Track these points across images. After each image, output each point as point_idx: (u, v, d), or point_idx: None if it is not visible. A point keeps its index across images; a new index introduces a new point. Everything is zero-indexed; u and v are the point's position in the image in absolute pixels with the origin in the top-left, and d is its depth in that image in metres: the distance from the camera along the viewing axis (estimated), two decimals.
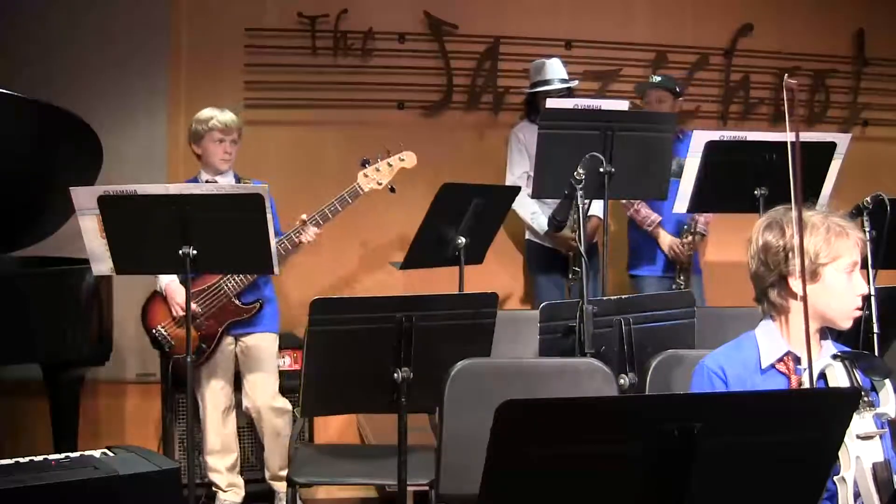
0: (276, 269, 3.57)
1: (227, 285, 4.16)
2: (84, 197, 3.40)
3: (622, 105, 4.34)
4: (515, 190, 4.46)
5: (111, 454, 2.79)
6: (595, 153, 3.49)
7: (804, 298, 2.26)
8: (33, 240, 4.26)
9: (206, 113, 4.24)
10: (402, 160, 4.21)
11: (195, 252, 3.41)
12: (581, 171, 3.27)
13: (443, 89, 5.36)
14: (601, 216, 4.21)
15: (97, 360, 4.24)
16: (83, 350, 4.09)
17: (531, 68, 4.96)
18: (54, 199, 3.88)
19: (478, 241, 4.23)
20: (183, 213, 3.37)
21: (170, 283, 4.16)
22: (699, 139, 3.96)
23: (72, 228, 3.69)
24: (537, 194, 4.22)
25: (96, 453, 2.79)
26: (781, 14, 5.62)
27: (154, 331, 4.21)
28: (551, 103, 4.32)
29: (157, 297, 4.23)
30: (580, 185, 3.26)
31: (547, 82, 4.85)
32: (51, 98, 3.97)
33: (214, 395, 4.26)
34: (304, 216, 4.10)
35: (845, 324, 2.47)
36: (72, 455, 2.77)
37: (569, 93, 4.85)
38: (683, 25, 5.57)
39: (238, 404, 4.36)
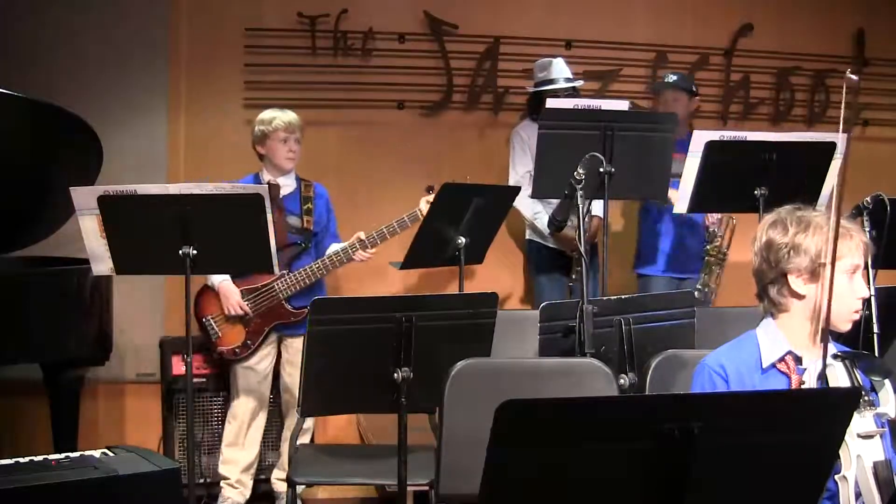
0: (275, 269, 3.58)
1: (279, 287, 4.21)
2: (84, 197, 3.40)
3: (622, 105, 4.33)
4: (515, 190, 4.46)
5: (111, 454, 2.79)
6: (595, 153, 3.49)
7: (829, 299, 2.26)
8: (33, 240, 4.26)
9: (268, 114, 4.32)
10: None
11: (195, 252, 3.41)
12: (581, 171, 3.27)
13: (443, 89, 5.36)
14: (601, 216, 4.21)
15: (97, 360, 4.25)
16: (83, 350, 4.10)
17: (535, 67, 4.96)
18: (54, 199, 3.88)
19: (478, 241, 4.22)
20: (183, 213, 3.37)
21: (222, 283, 4.25)
22: (699, 139, 3.96)
23: (72, 228, 3.69)
24: (537, 194, 4.22)
25: (96, 453, 2.79)
26: (781, 14, 5.62)
27: (204, 319, 4.30)
28: (551, 103, 4.32)
29: (209, 289, 4.31)
30: (580, 185, 3.26)
31: (552, 81, 4.85)
32: (51, 98, 3.97)
33: (250, 391, 4.32)
34: (361, 234, 4.23)
35: (843, 326, 2.47)
36: (72, 455, 2.77)
37: (574, 92, 4.85)
38: (683, 25, 5.57)
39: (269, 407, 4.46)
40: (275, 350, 4.37)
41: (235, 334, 4.28)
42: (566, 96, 4.71)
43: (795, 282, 2.45)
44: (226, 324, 4.28)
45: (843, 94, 2.36)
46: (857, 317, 2.47)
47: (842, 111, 2.36)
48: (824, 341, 2.25)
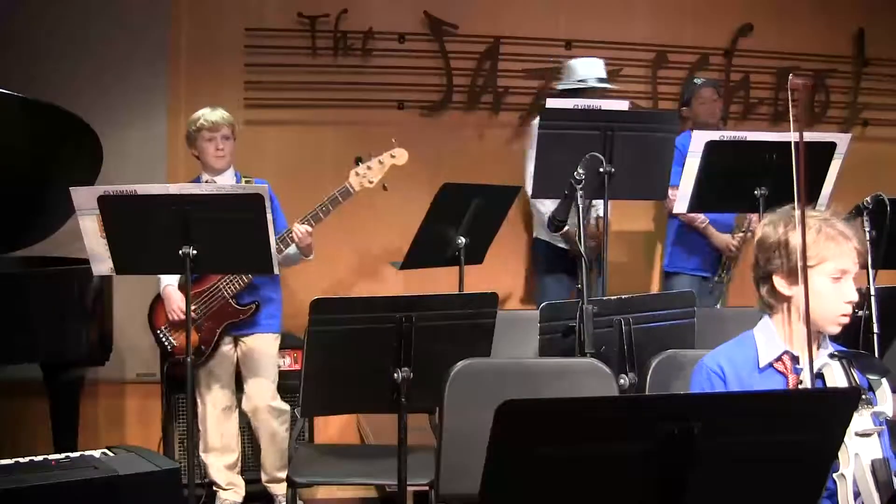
0: (275, 269, 3.57)
1: (223, 287, 4.17)
2: (84, 197, 3.40)
3: (622, 105, 4.34)
4: (515, 190, 4.46)
5: (111, 454, 2.80)
6: (595, 153, 3.49)
7: (806, 298, 2.25)
8: (33, 240, 4.26)
9: (196, 114, 4.26)
10: (393, 157, 4.17)
11: (195, 252, 3.41)
12: (581, 171, 3.27)
13: (443, 89, 5.36)
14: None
15: (97, 360, 4.25)
16: (83, 350, 4.09)
17: (568, 67, 4.90)
18: (54, 199, 3.88)
19: (478, 241, 4.22)
20: (183, 213, 3.37)
21: (165, 288, 4.18)
22: (699, 139, 3.97)
23: (72, 228, 3.69)
24: (537, 194, 4.22)
25: (96, 453, 2.79)
26: (781, 14, 5.62)
27: (158, 331, 4.25)
28: (551, 103, 4.32)
29: (161, 299, 4.24)
30: (580, 185, 3.26)
31: (584, 81, 4.79)
32: (51, 98, 3.97)
33: (214, 394, 4.27)
34: (298, 221, 4.09)
35: (831, 329, 2.43)
36: (72, 455, 2.77)
37: (605, 92, 4.80)
38: (683, 25, 5.57)
39: (240, 404, 4.37)
40: (233, 351, 4.30)
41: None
42: (600, 96, 4.68)
43: (779, 282, 2.43)
44: (177, 332, 4.19)
45: (790, 97, 2.36)
46: (845, 320, 2.42)
47: (790, 116, 2.35)
48: (809, 342, 2.24)
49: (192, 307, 4.11)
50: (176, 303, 4.14)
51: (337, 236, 4.81)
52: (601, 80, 4.82)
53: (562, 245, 4.93)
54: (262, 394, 4.27)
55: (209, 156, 4.23)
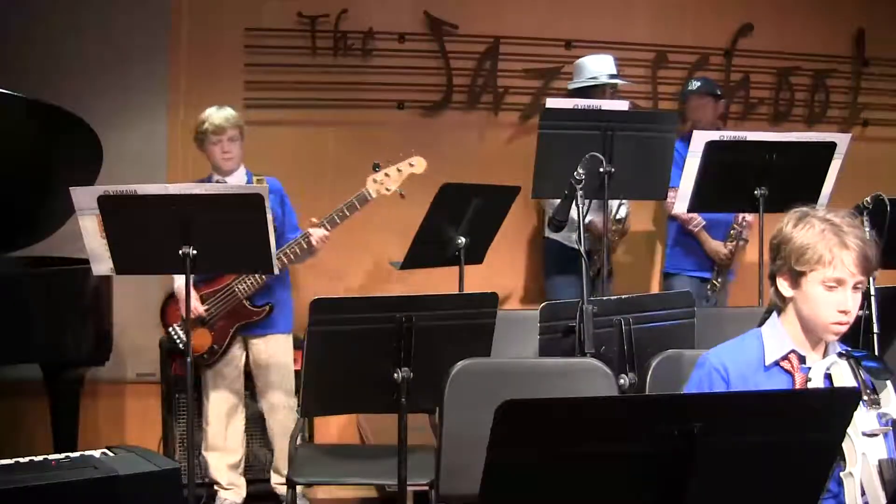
0: (275, 269, 3.58)
1: (238, 287, 4.18)
2: (84, 197, 3.40)
3: (622, 105, 4.34)
4: (515, 190, 4.46)
5: (111, 454, 2.79)
6: (595, 153, 3.49)
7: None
8: (33, 240, 4.26)
9: (202, 115, 4.24)
10: (412, 165, 4.22)
11: (195, 252, 3.41)
12: (581, 171, 3.27)
13: (443, 89, 5.36)
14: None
15: (97, 360, 4.25)
16: (83, 350, 4.10)
17: (577, 65, 4.88)
18: (54, 199, 3.87)
19: (478, 241, 4.23)
20: (183, 213, 3.37)
21: (179, 287, 4.18)
22: (699, 139, 3.96)
23: (72, 228, 3.69)
24: (537, 194, 4.22)
25: (96, 453, 2.79)
26: (781, 14, 5.62)
27: (170, 329, 4.27)
28: (551, 103, 4.32)
29: (175, 297, 4.25)
30: (580, 185, 3.26)
31: (595, 77, 4.77)
32: (51, 98, 3.97)
33: (220, 394, 4.29)
34: (313, 219, 4.13)
35: (826, 336, 2.42)
36: (72, 455, 2.77)
37: (614, 89, 4.79)
38: (683, 25, 5.57)
39: (246, 405, 4.40)
40: (242, 351, 4.32)
41: (202, 340, 4.21)
42: (611, 94, 4.67)
43: (781, 283, 2.43)
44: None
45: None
46: (839, 329, 2.39)
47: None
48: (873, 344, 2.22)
49: (206, 306, 4.17)
50: (192, 301, 4.14)
51: (336, 235, 4.79)
52: (612, 76, 4.80)
53: (573, 245, 4.91)
54: (279, 393, 4.28)
55: (216, 158, 4.23)
